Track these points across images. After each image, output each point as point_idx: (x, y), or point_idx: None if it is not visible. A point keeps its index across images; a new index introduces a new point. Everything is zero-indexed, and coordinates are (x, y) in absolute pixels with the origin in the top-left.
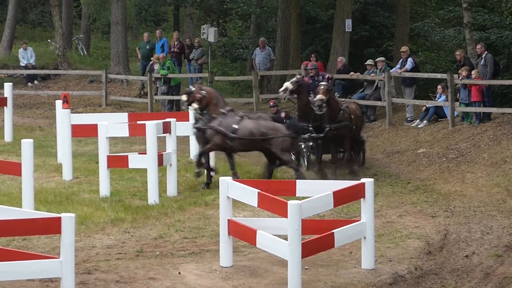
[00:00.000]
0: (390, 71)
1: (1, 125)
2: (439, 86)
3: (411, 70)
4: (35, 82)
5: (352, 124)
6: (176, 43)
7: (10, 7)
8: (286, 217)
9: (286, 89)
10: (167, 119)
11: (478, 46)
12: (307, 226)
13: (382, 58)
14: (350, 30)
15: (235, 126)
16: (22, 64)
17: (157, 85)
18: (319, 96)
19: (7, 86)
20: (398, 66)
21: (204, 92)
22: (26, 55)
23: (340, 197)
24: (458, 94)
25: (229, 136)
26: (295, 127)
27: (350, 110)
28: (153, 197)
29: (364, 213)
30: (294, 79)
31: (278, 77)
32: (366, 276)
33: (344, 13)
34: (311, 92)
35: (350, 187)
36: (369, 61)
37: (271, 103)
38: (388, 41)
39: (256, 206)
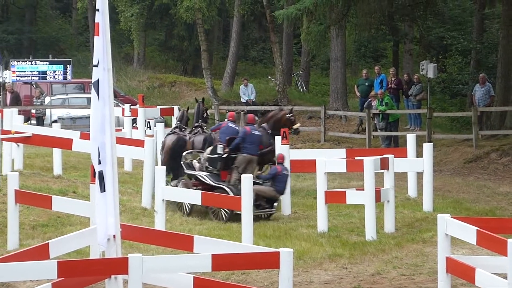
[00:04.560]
0: None
1: None
2: None
3: None
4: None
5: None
6: (393, 79)
7: (232, 44)
8: (506, 255)
9: None
10: (385, 155)
11: None
12: None
13: None
14: None
15: None
16: (243, 100)
17: (375, 121)
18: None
19: None
20: None
21: None
22: (247, 91)
23: None
24: None
25: None
26: None
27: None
28: (370, 233)
29: None
30: None
31: (498, 114)
32: None
33: None
34: None
35: None
36: None
37: None
38: None
39: (475, 243)
